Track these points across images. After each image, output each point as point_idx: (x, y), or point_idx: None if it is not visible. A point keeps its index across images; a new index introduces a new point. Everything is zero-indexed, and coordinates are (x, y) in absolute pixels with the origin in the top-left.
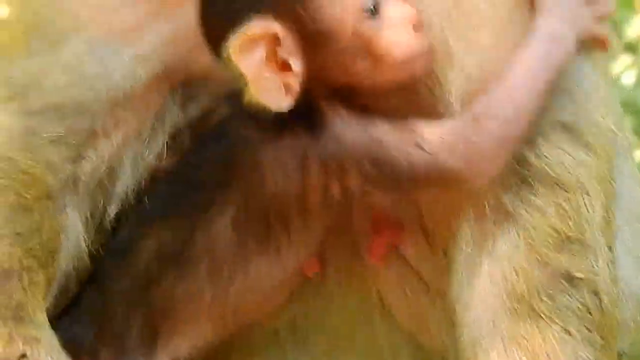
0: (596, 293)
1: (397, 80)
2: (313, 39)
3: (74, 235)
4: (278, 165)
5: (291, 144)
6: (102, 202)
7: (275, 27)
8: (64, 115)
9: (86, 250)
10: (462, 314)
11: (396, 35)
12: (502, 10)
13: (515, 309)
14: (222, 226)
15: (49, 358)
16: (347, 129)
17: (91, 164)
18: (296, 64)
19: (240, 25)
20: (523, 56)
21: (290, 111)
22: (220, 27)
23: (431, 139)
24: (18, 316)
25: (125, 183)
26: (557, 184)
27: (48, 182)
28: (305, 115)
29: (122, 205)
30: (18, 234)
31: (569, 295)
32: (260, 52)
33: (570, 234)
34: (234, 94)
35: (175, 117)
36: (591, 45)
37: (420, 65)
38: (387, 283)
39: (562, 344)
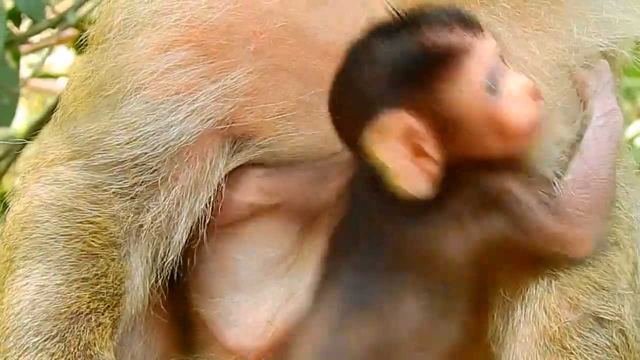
0: (623, 333)
1: (524, 148)
2: (445, 125)
3: (138, 280)
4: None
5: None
6: (162, 249)
7: (408, 119)
8: (126, 171)
9: (148, 293)
10: (500, 355)
11: (518, 108)
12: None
13: (548, 347)
14: (411, 309)
15: None
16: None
17: (152, 214)
18: (432, 150)
19: (374, 119)
20: (592, 135)
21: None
22: (353, 120)
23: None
24: (86, 355)
25: (182, 231)
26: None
27: (112, 231)
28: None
29: (178, 251)
30: (85, 279)
31: (598, 334)
32: (396, 142)
33: (601, 281)
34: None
35: (222, 169)
36: None
37: (537, 134)
38: None
39: None
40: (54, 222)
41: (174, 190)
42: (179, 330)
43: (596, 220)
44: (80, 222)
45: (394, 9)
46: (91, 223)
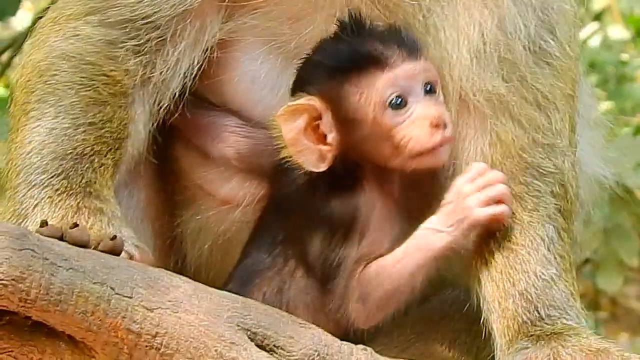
0: (563, 184)
1: (414, 167)
2: (345, 122)
3: (141, 125)
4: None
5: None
6: (161, 98)
7: (317, 104)
8: (138, 28)
9: (148, 135)
10: None
11: (412, 131)
12: None
13: None
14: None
15: (110, 225)
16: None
17: (160, 68)
18: (331, 138)
19: (294, 96)
20: (405, 242)
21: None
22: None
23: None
24: (86, 191)
25: (179, 83)
26: (536, 102)
27: (124, 84)
28: (334, 178)
29: (170, 101)
30: (91, 123)
31: (540, 182)
32: (301, 121)
33: (542, 140)
34: None
35: (216, 30)
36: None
37: (433, 158)
38: None
39: (531, 218)
40: (72, 72)
41: (179, 46)
42: (164, 182)
43: (374, 314)
44: (96, 74)
45: (351, 13)
46: (106, 75)
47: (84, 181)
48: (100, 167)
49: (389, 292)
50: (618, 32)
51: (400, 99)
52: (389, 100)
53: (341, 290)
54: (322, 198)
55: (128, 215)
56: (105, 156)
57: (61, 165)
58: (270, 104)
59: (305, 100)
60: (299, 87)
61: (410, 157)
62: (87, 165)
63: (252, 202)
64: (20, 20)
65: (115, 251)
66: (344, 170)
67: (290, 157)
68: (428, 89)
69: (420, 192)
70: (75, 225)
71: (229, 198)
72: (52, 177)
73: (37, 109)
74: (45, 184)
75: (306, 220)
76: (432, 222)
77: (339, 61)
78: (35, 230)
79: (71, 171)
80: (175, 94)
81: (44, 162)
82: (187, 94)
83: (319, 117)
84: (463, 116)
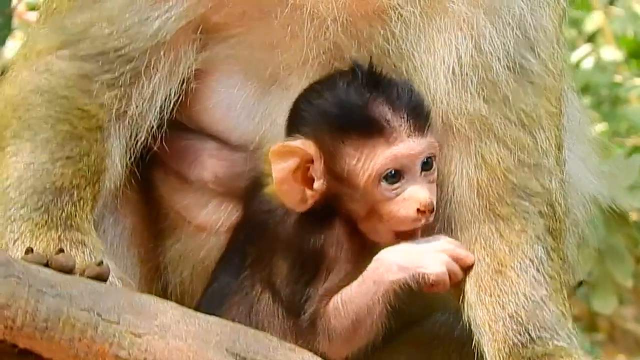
0: (551, 204)
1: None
2: (334, 175)
3: (117, 159)
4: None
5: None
6: (137, 131)
7: (311, 150)
8: (112, 61)
9: (126, 170)
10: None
11: (399, 210)
12: None
13: (478, 215)
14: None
15: (92, 257)
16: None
17: (135, 101)
18: (318, 185)
19: (290, 135)
20: (362, 274)
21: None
22: (286, 132)
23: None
24: (67, 224)
25: (155, 116)
26: (520, 122)
27: (99, 117)
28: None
29: (148, 133)
30: (69, 157)
31: (528, 202)
32: (292, 163)
33: (528, 160)
34: None
35: (190, 60)
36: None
37: (408, 235)
38: None
39: (519, 239)
40: (46, 106)
41: (154, 78)
42: (148, 209)
43: (343, 346)
44: (71, 108)
45: (371, 63)
46: (81, 109)
47: (64, 215)
48: (80, 200)
49: (351, 325)
50: (611, 53)
51: (395, 174)
52: (385, 174)
53: (309, 327)
54: (294, 227)
55: (114, 243)
56: (84, 189)
57: (40, 199)
58: (247, 129)
59: (300, 143)
60: (297, 125)
61: (386, 228)
62: (66, 199)
63: (229, 227)
64: (11, 50)
65: (101, 277)
66: (319, 205)
67: (274, 193)
68: (426, 163)
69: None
70: (61, 250)
71: (206, 223)
72: (32, 211)
73: (13, 144)
74: (25, 218)
75: (275, 246)
76: (389, 255)
77: (344, 118)
78: (21, 258)
79: (51, 205)
80: (152, 126)
81: (23, 197)
82: (164, 127)
83: (311, 162)
84: (447, 139)
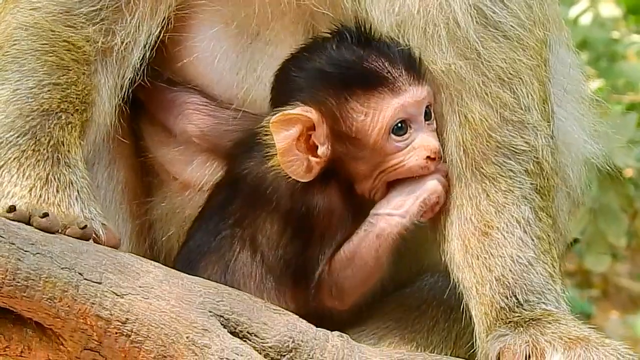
0: (537, 162)
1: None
2: (341, 138)
3: (106, 94)
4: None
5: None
6: (124, 70)
7: (313, 116)
8: None
9: (115, 108)
10: None
11: (409, 159)
12: None
13: (465, 174)
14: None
15: (78, 200)
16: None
17: (120, 37)
18: (323, 151)
19: (289, 105)
20: (361, 230)
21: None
22: (280, 95)
23: None
24: (55, 157)
25: (139, 55)
26: (498, 78)
27: (85, 50)
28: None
29: (135, 71)
30: (56, 84)
31: (513, 161)
32: (295, 131)
33: (511, 117)
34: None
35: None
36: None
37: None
38: None
39: (506, 200)
40: (31, 39)
41: (136, 14)
42: (140, 163)
43: (351, 296)
44: (56, 41)
45: (360, 22)
46: (66, 42)
47: (52, 142)
48: (68, 124)
49: (360, 279)
50: (609, 9)
51: (403, 125)
52: (395, 127)
53: (314, 289)
54: (287, 190)
55: (107, 198)
56: (72, 115)
57: (27, 122)
58: (231, 83)
59: (301, 110)
60: (291, 93)
61: (388, 180)
62: (54, 122)
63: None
64: None
65: (84, 238)
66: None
67: (278, 165)
68: (427, 113)
69: None
70: (46, 215)
71: (191, 180)
72: (19, 135)
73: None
74: (12, 142)
75: (264, 207)
76: (382, 208)
77: (345, 74)
78: (1, 215)
79: (38, 129)
80: (137, 65)
81: (9, 120)
82: (149, 68)
83: (313, 129)
84: (434, 98)
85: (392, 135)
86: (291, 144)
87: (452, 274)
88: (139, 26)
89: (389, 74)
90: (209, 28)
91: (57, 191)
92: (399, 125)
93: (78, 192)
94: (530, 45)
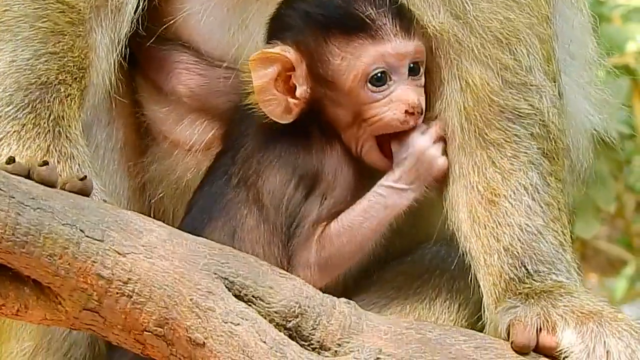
0: (544, 124)
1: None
2: (318, 79)
3: (103, 52)
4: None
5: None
6: (120, 24)
7: (292, 56)
8: None
9: (113, 65)
10: None
11: (386, 112)
12: None
13: (469, 141)
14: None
15: (80, 171)
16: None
17: None
18: (301, 92)
19: (269, 43)
20: (366, 200)
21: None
22: (266, 41)
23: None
24: (55, 131)
25: (132, 7)
26: (496, 39)
27: (79, 8)
28: (302, 131)
29: (130, 24)
30: (52, 52)
31: (518, 125)
32: (273, 70)
33: (513, 79)
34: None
35: None
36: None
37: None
38: None
39: (512, 166)
40: (23, 4)
41: None
42: (138, 122)
43: (330, 273)
44: (49, 3)
45: None
46: (59, 2)
47: (52, 117)
48: (67, 97)
49: (350, 252)
50: None
51: (382, 76)
52: (371, 75)
53: (298, 250)
54: (287, 148)
55: (105, 158)
56: (70, 85)
57: (26, 96)
58: (222, 41)
59: (280, 49)
60: (275, 31)
61: (372, 132)
62: (53, 95)
63: (204, 147)
64: None
65: (84, 192)
66: (314, 125)
67: (256, 104)
68: (412, 68)
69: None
70: (45, 163)
71: (180, 139)
72: (18, 109)
73: None
74: (11, 116)
75: (266, 164)
76: (394, 180)
77: (327, 16)
78: (0, 167)
79: (37, 103)
80: (131, 17)
81: (7, 94)
82: (145, 23)
83: (292, 69)
84: (433, 63)
85: (369, 85)
86: (269, 83)
87: (459, 244)
88: None
89: (373, 21)
90: None
91: (58, 162)
92: (378, 75)
93: (79, 166)
94: (526, 1)
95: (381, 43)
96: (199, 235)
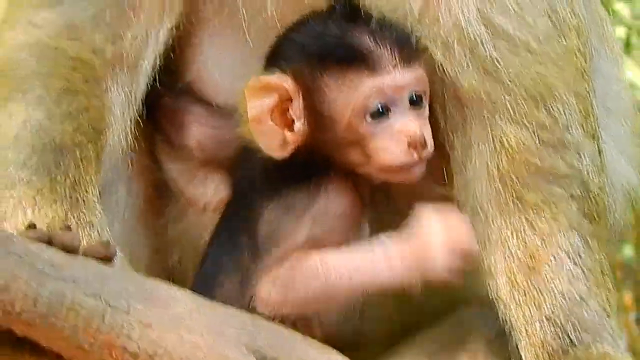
0: (583, 183)
1: (382, 179)
2: (315, 113)
3: (119, 111)
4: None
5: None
6: (136, 79)
7: (289, 86)
8: (93, 2)
9: (130, 123)
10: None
11: (387, 145)
12: None
13: (505, 203)
14: None
15: (100, 238)
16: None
17: (128, 43)
18: (299, 126)
19: (265, 71)
20: (356, 252)
21: (292, 163)
22: (265, 64)
23: None
24: (73, 197)
25: (151, 58)
26: (530, 96)
27: (93, 65)
28: (304, 169)
29: (148, 79)
30: (67, 113)
31: (556, 186)
32: (271, 101)
33: (550, 137)
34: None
35: (178, 5)
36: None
37: (403, 175)
38: None
39: (551, 229)
40: (35, 61)
41: (141, 16)
42: (159, 180)
43: (305, 305)
44: (62, 60)
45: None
46: (72, 59)
47: (68, 181)
48: (83, 160)
49: (318, 292)
50: None
51: (382, 109)
52: (371, 109)
53: (267, 266)
54: (283, 189)
55: (125, 215)
56: (86, 147)
57: (40, 159)
58: (233, 90)
59: (277, 78)
60: (273, 61)
61: (378, 169)
62: (69, 159)
63: (219, 204)
64: None
65: (107, 259)
66: (312, 161)
67: (249, 136)
68: (415, 100)
69: (400, 199)
70: (68, 227)
71: (194, 197)
72: (32, 173)
73: (3, 106)
74: (25, 180)
75: (262, 207)
76: (390, 246)
77: (324, 47)
78: (20, 233)
79: (53, 166)
80: (148, 74)
81: (22, 157)
82: (160, 78)
83: (290, 100)
84: (465, 124)
85: (368, 118)
86: (265, 113)
87: (499, 310)
88: (147, 29)
89: (369, 51)
90: (215, 34)
91: (77, 229)
92: (377, 110)
93: (98, 233)
94: (558, 55)
95: (379, 75)
96: (210, 288)
